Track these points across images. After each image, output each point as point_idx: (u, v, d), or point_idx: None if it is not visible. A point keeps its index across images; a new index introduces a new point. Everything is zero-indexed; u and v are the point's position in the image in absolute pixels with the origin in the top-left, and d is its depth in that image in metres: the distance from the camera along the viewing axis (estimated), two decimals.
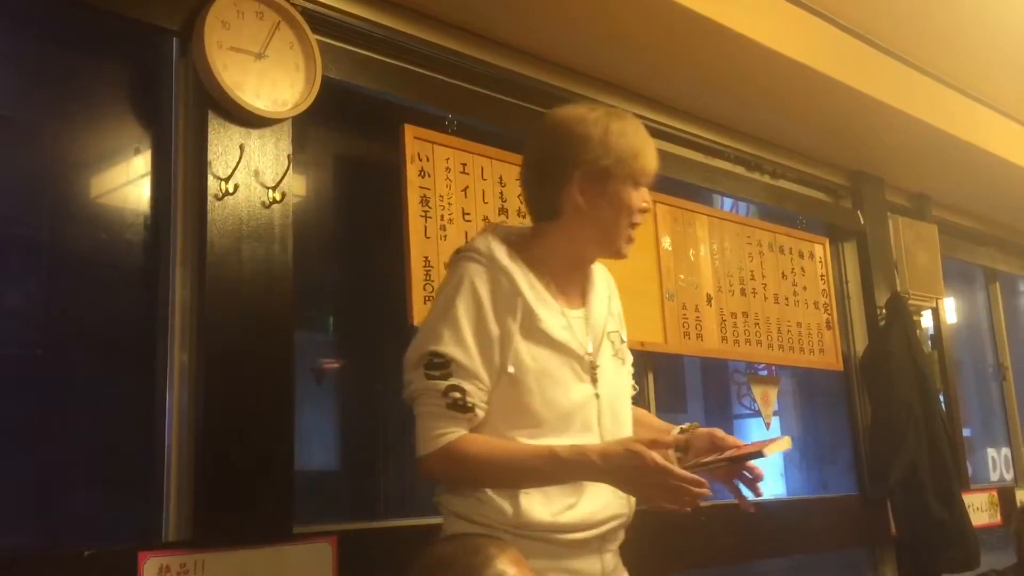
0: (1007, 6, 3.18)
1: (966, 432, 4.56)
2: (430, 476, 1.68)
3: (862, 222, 3.83)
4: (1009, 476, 4.78)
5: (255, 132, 2.08)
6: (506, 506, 1.63)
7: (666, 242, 2.99)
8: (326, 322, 2.57)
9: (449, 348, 1.63)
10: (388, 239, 2.38)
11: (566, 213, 1.76)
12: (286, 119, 2.12)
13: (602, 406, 1.74)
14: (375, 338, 2.57)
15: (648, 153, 1.78)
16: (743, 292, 3.24)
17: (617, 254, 1.81)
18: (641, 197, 1.77)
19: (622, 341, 1.87)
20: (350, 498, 2.48)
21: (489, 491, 1.65)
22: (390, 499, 2.56)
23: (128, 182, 2.11)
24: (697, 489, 1.53)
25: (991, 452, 4.81)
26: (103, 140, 2.11)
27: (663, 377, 3.17)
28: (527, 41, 2.67)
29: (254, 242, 2.03)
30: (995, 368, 4.90)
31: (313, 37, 2.17)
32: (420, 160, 2.38)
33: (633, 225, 1.78)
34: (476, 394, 1.65)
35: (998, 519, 4.11)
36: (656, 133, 3.07)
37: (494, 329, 1.66)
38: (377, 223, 2.50)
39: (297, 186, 2.30)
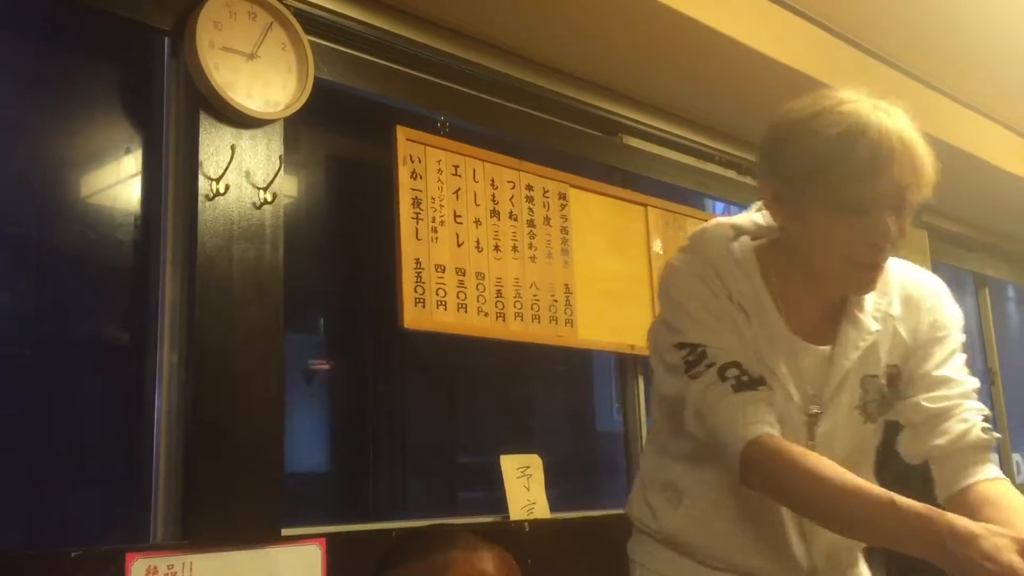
0: (997, 11, 3.19)
1: None
2: (752, 486, 1.34)
3: None
4: None
5: (246, 132, 2.08)
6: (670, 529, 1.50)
7: (657, 245, 2.99)
8: (316, 323, 2.56)
9: (694, 336, 1.37)
10: (379, 241, 2.37)
11: (781, 224, 1.42)
12: (278, 120, 2.12)
13: None
14: (366, 340, 2.56)
15: (857, 169, 1.28)
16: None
17: (843, 291, 1.43)
18: (862, 226, 1.30)
19: (882, 395, 1.45)
20: (340, 500, 2.48)
21: (661, 514, 1.52)
22: (380, 501, 2.55)
23: (118, 182, 2.10)
24: None
25: None
26: (93, 139, 2.11)
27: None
28: (519, 44, 2.67)
29: (245, 243, 2.03)
30: (984, 373, 4.92)
31: (306, 38, 2.16)
32: (412, 162, 2.38)
33: (850, 261, 1.34)
34: (753, 364, 1.35)
35: None
36: (648, 136, 3.09)
37: (726, 306, 1.39)
38: (369, 224, 2.50)
39: (288, 187, 2.30)
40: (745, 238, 1.46)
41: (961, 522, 1.15)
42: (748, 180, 3.48)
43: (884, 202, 1.30)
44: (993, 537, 1.12)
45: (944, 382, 1.44)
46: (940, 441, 1.41)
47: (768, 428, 1.31)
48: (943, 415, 1.42)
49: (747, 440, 1.30)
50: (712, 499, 1.48)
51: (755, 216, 1.50)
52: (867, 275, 1.36)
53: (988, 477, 1.38)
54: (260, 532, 1.93)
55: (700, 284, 1.40)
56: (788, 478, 1.28)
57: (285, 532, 1.98)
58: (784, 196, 1.37)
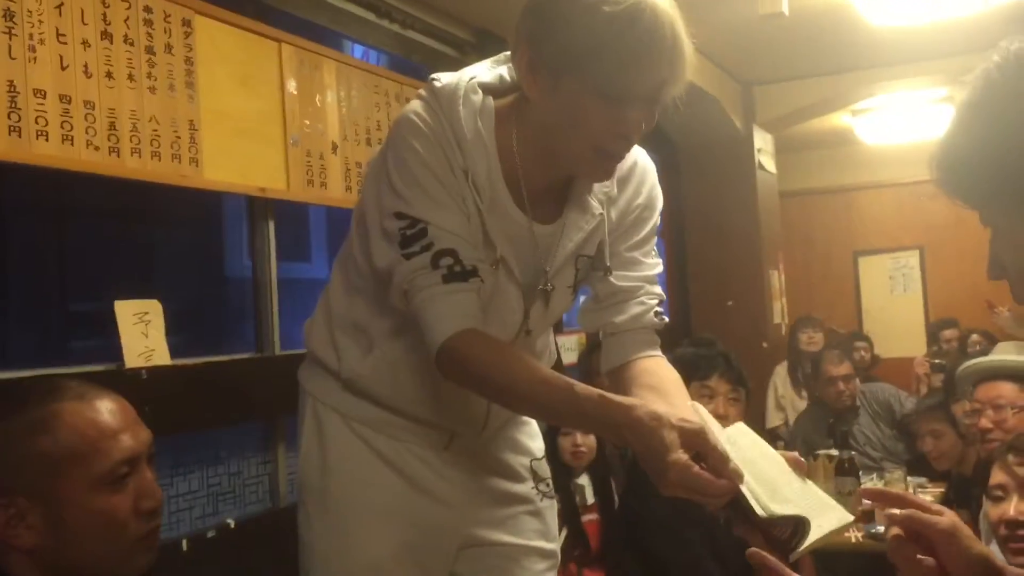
0: None
1: None
2: (449, 378, 1.38)
3: None
4: None
5: None
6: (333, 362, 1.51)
7: (291, 85, 2.87)
8: None
9: (418, 210, 1.33)
10: None
11: (531, 96, 1.35)
12: None
13: (521, 341, 1.49)
14: None
15: (628, 58, 1.24)
16: (368, 142, 3.22)
17: (580, 176, 1.42)
18: (617, 116, 1.29)
19: (588, 271, 1.51)
20: None
21: (335, 346, 1.51)
22: None
23: None
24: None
25: None
26: None
27: (287, 226, 3.12)
28: None
29: None
30: None
31: None
32: None
33: (597, 149, 1.33)
34: (469, 252, 1.34)
35: None
36: None
37: (460, 183, 1.35)
38: None
39: None
40: (489, 99, 1.39)
41: (635, 411, 1.23)
42: (387, 24, 3.42)
43: (644, 95, 1.29)
44: (653, 422, 1.20)
45: (635, 263, 1.51)
46: (618, 319, 1.49)
47: (469, 322, 1.33)
48: (627, 294, 1.50)
49: (447, 334, 1.32)
50: (402, 353, 1.49)
51: (502, 71, 1.44)
52: (610, 165, 1.37)
53: (648, 354, 1.49)
54: None
55: (437, 150, 1.35)
56: (479, 374, 1.34)
57: None
58: (541, 69, 1.31)
